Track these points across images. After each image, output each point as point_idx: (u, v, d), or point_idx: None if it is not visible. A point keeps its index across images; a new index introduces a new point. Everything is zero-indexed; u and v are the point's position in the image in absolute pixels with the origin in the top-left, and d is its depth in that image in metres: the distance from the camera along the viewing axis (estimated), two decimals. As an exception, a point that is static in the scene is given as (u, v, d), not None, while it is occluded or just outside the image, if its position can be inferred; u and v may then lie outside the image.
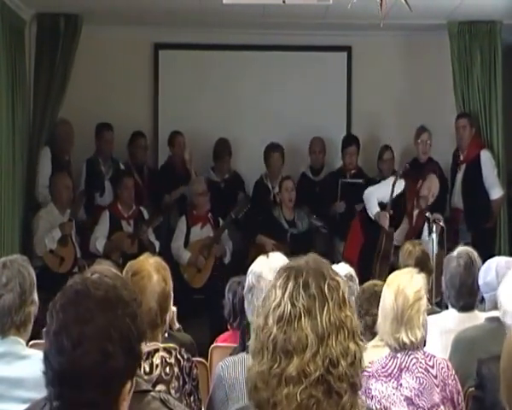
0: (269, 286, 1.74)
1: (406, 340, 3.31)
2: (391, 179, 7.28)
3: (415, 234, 7.10)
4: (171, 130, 8.30)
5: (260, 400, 1.66)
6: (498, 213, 7.78)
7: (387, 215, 7.14)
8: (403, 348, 3.32)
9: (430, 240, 6.47)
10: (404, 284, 3.34)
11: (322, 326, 1.64)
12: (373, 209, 7.24)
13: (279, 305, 1.67)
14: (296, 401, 1.62)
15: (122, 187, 7.61)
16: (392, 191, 7.15)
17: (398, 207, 7.21)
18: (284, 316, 1.66)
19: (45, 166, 7.50)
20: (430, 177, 7.30)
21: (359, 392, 1.69)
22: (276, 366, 1.65)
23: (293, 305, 1.66)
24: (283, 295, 1.67)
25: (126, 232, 7.51)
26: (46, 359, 1.70)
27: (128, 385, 1.74)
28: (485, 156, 7.69)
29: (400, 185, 7.24)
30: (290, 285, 1.68)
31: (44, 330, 1.75)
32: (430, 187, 7.24)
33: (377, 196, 7.27)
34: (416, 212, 7.23)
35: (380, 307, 3.38)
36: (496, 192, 7.69)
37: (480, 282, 4.19)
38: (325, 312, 1.65)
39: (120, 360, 1.68)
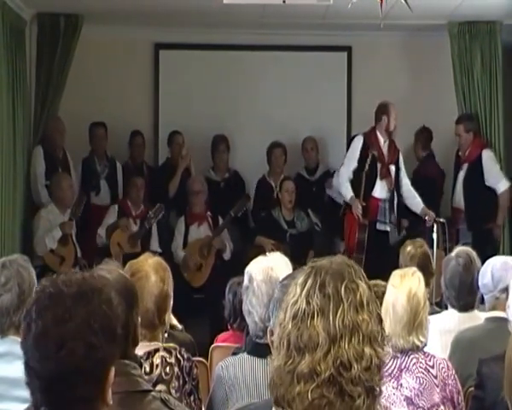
0: (292, 283, 1.75)
1: (418, 342, 3.34)
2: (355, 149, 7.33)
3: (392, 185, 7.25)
4: (171, 129, 8.31)
5: (277, 396, 1.68)
6: (507, 208, 7.70)
7: (359, 206, 7.13)
8: (413, 349, 3.34)
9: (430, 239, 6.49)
10: (416, 288, 3.35)
11: (334, 327, 1.64)
12: (347, 194, 7.26)
13: (296, 302, 1.69)
14: (307, 399, 1.62)
15: (130, 185, 7.71)
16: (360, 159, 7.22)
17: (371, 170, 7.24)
18: (299, 313, 1.67)
19: (39, 166, 7.50)
20: (393, 107, 7.34)
21: (379, 397, 1.68)
22: (290, 362, 1.66)
23: (307, 303, 1.67)
24: (301, 292, 1.69)
25: (130, 231, 7.55)
26: (29, 369, 1.70)
27: (113, 370, 1.75)
28: (487, 156, 7.66)
29: (359, 140, 7.30)
30: (308, 283, 1.69)
31: (20, 341, 1.73)
32: (395, 117, 7.31)
33: (348, 175, 7.29)
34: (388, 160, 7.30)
35: (387, 309, 3.36)
36: (503, 184, 7.62)
37: (480, 283, 4.19)
38: (339, 313, 1.65)
39: (105, 349, 1.70)
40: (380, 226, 7.28)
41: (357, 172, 7.26)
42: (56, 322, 1.67)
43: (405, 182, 7.41)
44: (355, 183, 7.25)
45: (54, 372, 1.66)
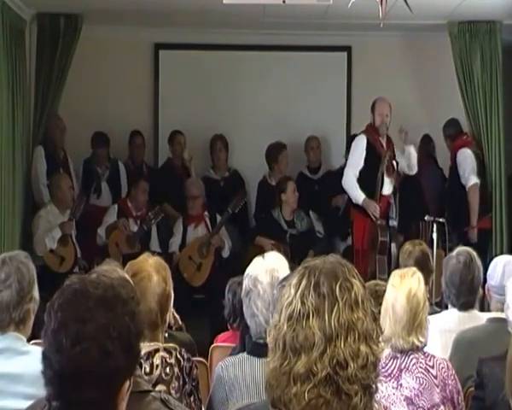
0: (286, 284, 1.76)
1: (417, 343, 3.33)
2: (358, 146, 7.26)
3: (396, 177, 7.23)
4: (171, 130, 8.31)
5: (274, 397, 1.68)
6: (475, 205, 7.54)
7: (378, 207, 7.05)
8: (412, 349, 3.33)
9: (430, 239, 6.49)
10: (416, 288, 3.34)
11: (330, 326, 1.64)
12: (358, 197, 7.12)
13: (290, 303, 1.69)
14: (304, 399, 1.63)
15: (136, 188, 7.70)
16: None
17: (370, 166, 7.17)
18: (294, 314, 1.67)
19: (41, 165, 7.52)
20: (379, 103, 7.23)
21: (375, 395, 1.68)
22: (285, 363, 1.66)
23: (302, 303, 1.67)
24: (295, 293, 1.69)
25: (129, 231, 7.55)
26: (45, 358, 1.71)
27: (127, 384, 1.74)
28: (460, 155, 7.61)
29: (362, 140, 7.20)
30: (303, 284, 1.70)
31: (43, 329, 1.75)
32: (382, 113, 7.17)
33: (356, 176, 7.15)
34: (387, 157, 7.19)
35: (386, 309, 3.36)
36: (470, 181, 7.51)
37: (492, 282, 4.17)
38: (334, 312, 1.65)
39: (120, 359, 1.69)
40: (391, 222, 7.28)
41: (368, 173, 7.12)
42: (76, 319, 1.68)
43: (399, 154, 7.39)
44: (367, 184, 7.10)
45: (66, 368, 1.66)
